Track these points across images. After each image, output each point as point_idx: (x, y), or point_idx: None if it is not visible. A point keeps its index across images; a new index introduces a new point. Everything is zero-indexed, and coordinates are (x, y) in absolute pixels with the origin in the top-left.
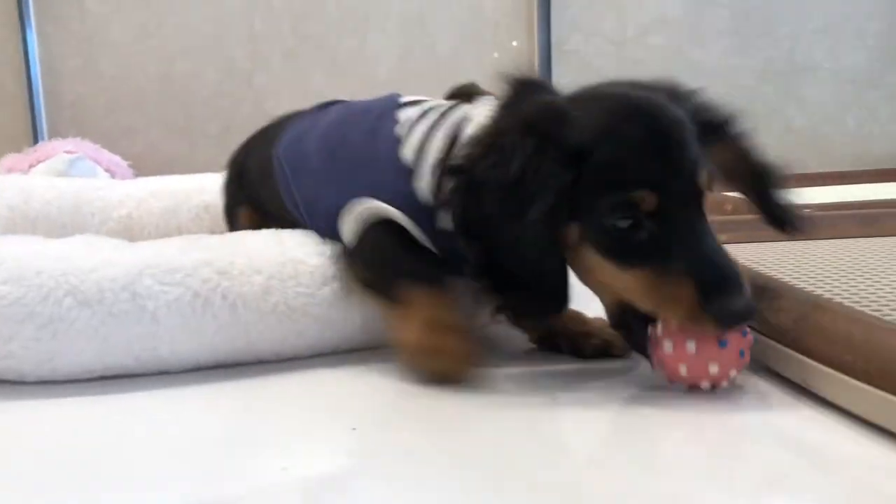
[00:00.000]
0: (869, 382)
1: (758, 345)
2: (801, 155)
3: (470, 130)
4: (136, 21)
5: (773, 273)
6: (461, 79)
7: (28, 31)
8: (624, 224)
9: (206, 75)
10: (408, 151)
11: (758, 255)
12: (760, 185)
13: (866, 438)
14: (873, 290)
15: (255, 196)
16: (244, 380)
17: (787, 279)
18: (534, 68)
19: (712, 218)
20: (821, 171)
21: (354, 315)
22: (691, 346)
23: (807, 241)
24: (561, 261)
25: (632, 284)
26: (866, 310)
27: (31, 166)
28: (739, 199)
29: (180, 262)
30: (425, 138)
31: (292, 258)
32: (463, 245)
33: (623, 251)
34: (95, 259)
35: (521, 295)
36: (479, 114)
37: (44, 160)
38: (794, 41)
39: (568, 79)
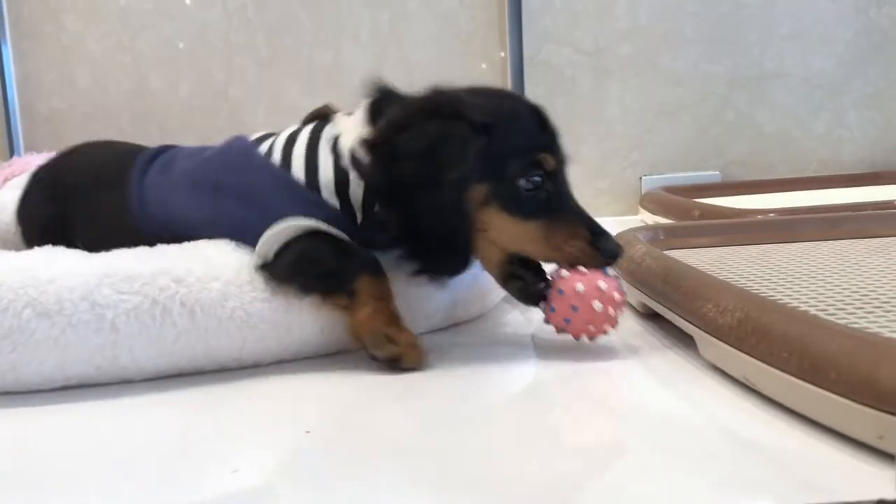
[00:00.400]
0: (803, 378)
1: (704, 343)
2: (772, 160)
3: (346, 142)
4: (111, 35)
5: (728, 276)
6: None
7: (3, 46)
8: (531, 184)
9: (181, 88)
10: (297, 172)
11: (718, 258)
12: None
13: (803, 433)
14: (822, 292)
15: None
16: (203, 386)
17: (741, 281)
18: (506, 79)
19: (681, 223)
20: (791, 176)
21: (311, 319)
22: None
23: (769, 244)
24: (468, 221)
25: (533, 233)
26: (811, 310)
27: (5, 180)
28: (706, 205)
29: (138, 270)
30: (309, 158)
31: (248, 264)
32: (383, 213)
33: (528, 205)
34: (54, 270)
35: (432, 256)
36: (348, 126)
37: (18, 174)
38: (764, 48)
39: (542, 88)
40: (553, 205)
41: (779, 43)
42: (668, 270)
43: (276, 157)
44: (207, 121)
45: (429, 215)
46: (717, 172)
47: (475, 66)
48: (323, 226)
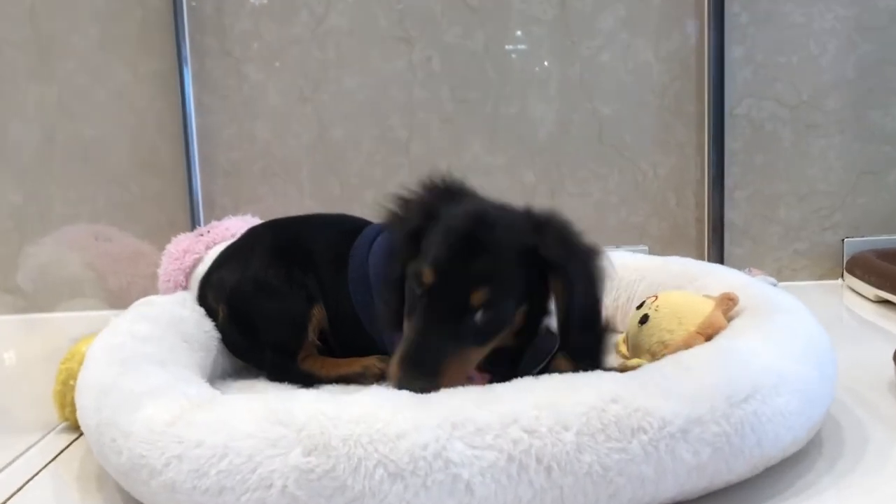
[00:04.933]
0: None
1: None
2: None
3: None
4: (293, 87)
5: None
6: (622, 145)
7: (187, 99)
8: (416, 289)
9: (362, 143)
10: None
11: None
12: (567, 322)
13: None
14: None
15: (326, 295)
16: None
17: None
18: (703, 133)
19: None
20: None
21: (668, 470)
22: None
23: None
24: (400, 285)
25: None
26: None
27: (207, 247)
28: None
29: (485, 419)
30: None
31: (593, 405)
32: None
33: (410, 302)
34: (399, 421)
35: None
36: None
37: (219, 241)
38: None
39: (740, 143)
40: (417, 316)
41: None
42: None
43: None
44: (388, 177)
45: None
46: None
47: (668, 120)
48: None
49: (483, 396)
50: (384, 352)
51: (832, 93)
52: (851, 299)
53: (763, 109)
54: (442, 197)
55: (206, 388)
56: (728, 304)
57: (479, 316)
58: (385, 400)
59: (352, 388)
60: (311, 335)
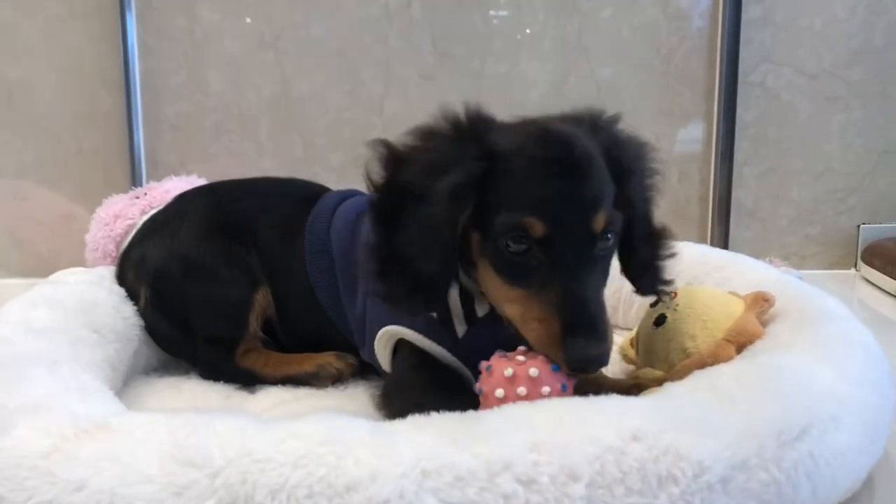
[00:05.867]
0: None
1: None
2: None
3: None
4: (252, 31)
5: None
6: (622, 112)
7: (129, 42)
8: (514, 247)
9: (330, 98)
10: None
11: None
12: (632, 233)
13: None
14: None
15: (272, 277)
16: None
17: None
18: (713, 102)
19: None
20: None
21: None
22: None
23: None
24: (451, 252)
25: (512, 300)
26: None
27: (142, 212)
28: None
29: (468, 464)
30: None
31: (609, 446)
32: (371, 226)
33: (512, 269)
34: (350, 466)
35: (402, 282)
36: None
37: (157, 205)
38: None
39: (753, 114)
40: (539, 276)
41: None
42: None
43: None
44: (357, 138)
45: (413, 228)
46: None
47: (674, 86)
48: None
49: (464, 430)
50: (343, 346)
51: (857, 62)
52: (866, 291)
53: (780, 77)
54: (482, 132)
55: (103, 403)
56: (762, 306)
57: (604, 242)
58: (333, 433)
59: (301, 392)
60: (254, 325)
